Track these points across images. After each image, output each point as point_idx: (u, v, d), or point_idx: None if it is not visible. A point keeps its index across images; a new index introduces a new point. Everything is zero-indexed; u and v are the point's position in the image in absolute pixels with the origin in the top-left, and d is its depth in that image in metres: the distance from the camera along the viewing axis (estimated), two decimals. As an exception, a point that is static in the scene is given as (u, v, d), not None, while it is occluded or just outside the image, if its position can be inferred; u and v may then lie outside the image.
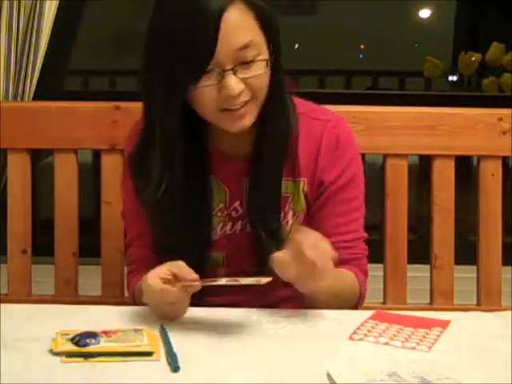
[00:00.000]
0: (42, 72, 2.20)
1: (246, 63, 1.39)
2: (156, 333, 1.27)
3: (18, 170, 1.95)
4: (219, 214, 1.55)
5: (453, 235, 1.93)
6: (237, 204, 1.55)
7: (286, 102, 1.51)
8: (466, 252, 2.09)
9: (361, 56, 7.38)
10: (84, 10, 3.01)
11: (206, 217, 1.53)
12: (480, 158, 1.94)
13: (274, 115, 1.48)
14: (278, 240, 1.46)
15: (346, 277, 1.54)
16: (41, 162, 2.84)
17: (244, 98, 1.41)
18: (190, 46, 1.36)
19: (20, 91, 2.18)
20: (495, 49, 4.21)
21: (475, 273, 1.95)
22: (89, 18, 3.15)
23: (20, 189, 1.95)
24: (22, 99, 2.18)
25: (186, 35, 1.36)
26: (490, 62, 4.20)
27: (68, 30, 2.79)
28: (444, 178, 1.93)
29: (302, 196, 1.55)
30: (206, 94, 1.39)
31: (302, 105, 1.56)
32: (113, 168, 1.93)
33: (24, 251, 1.96)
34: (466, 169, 3.00)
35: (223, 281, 1.35)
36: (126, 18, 6.84)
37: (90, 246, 2.09)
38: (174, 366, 1.15)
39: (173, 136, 1.45)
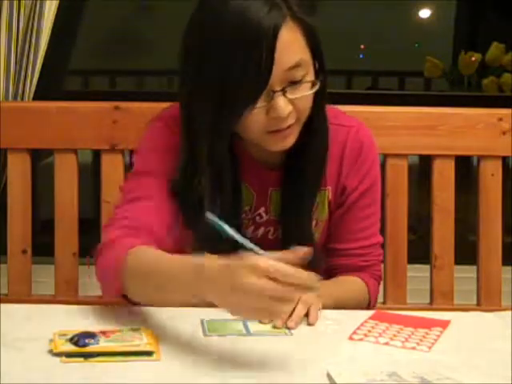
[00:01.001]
0: (41, 72, 2.20)
1: (294, 83, 1.36)
2: (154, 332, 1.26)
3: (18, 170, 1.95)
4: (243, 215, 1.53)
5: (453, 235, 1.93)
6: (262, 210, 1.54)
7: (326, 120, 1.49)
8: (466, 252, 2.09)
9: (361, 56, 7.38)
10: (84, 9, 3.00)
11: (236, 217, 1.47)
12: (480, 157, 1.94)
13: (315, 134, 1.46)
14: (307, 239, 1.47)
15: (352, 286, 1.55)
16: (41, 162, 2.84)
17: (291, 120, 1.38)
18: (246, 67, 1.31)
19: (20, 91, 2.18)
20: (495, 49, 4.21)
21: (475, 273, 1.95)
22: (89, 18, 3.15)
23: (20, 189, 1.95)
24: (22, 99, 2.18)
25: (240, 55, 1.32)
26: (490, 62, 4.20)
27: (68, 29, 2.79)
28: (444, 177, 1.93)
29: (326, 205, 1.55)
30: (254, 116, 1.36)
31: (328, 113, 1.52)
32: (113, 168, 1.94)
33: (24, 251, 1.96)
34: (466, 169, 3.01)
35: None
36: (126, 18, 6.84)
37: (89, 246, 2.09)
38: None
39: (222, 160, 1.40)
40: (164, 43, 6.27)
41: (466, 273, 2.02)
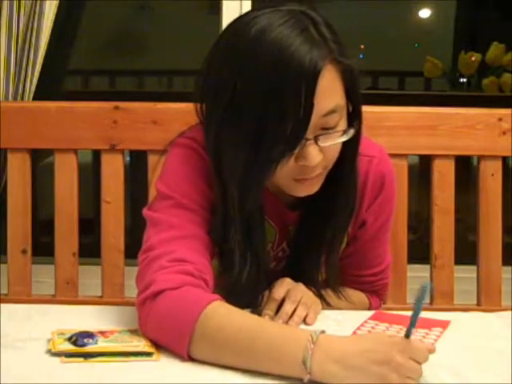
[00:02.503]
0: (41, 72, 2.20)
1: (326, 129, 1.26)
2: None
3: (18, 170, 1.95)
4: (268, 251, 1.47)
5: (453, 235, 1.93)
6: (284, 245, 1.49)
7: (355, 172, 1.39)
8: (466, 252, 2.10)
9: (361, 56, 7.38)
10: (84, 9, 3.00)
11: (264, 258, 1.40)
12: (480, 157, 1.94)
13: (342, 182, 1.38)
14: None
15: (352, 294, 1.54)
16: (41, 162, 2.84)
17: (319, 169, 1.30)
18: (285, 115, 1.21)
19: (20, 91, 2.18)
20: (495, 49, 4.21)
21: (475, 273, 1.95)
22: (89, 17, 3.15)
23: (20, 189, 1.95)
24: (22, 99, 2.18)
25: (278, 101, 1.20)
26: (490, 62, 4.20)
27: (68, 30, 2.79)
28: (444, 177, 1.93)
29: (345, 236, 1.49)
30: (284, 164, 1.26)
31: None
32: (113, 168, 1.94)
33: (24, 251, 1.96)
34: (466, 169, 3.01)
35: None
36: (126, 18, 6.83)
37: (89, 246, 2.09)
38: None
39: (254, 210, 1.32)
40: (164, 43, 6.28)
41: (466, 273, 2.02)
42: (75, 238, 1.95)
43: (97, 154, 2.34)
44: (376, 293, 1.60)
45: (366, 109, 1.81)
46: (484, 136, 1.92)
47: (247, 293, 1.34)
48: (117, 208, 1.94)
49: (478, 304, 1.94)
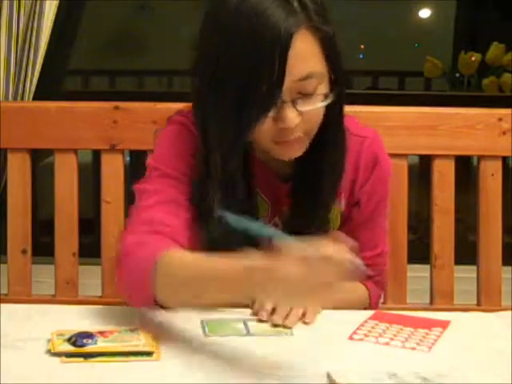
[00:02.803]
0: (41, 72, 2.20)
1: (305, 94, 1.31)
2: (153, 332, 1.26)
3: (18, 170, 1.95)
4: None
5: (453, 235, 1.93)
6: (276, 218, 1.51)
7: (343, 134, 1.43)
8: (466, 252, 2.09)
9: (361, 56, 7.38)
10: (84, 9, 3.00)
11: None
12: (480, 157, 1.94)
13: (330, 147, 1.41)
14: None
15: (352, 288, 1.54)
16: (41, 162, 2.84)
17: (298, 132, 1.34)
18: (259, 76, 1.27)
19: (20, 91, 2.18)
20: (495, 49, 4.22)
21: (475, 273, 1.95)
22: (89, 17, 3.15)
23: (20, 189, 1.95)
24: (22, 99, 2.19)
25: (253, 63, 1.27)
26: (490, 62, 4.20)
27: (68, 29, 2.80)
28: (444, 177, 1.93)
29: (337, 213, 1.52)
30: (262, 125, 1.32)
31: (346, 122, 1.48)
32: (113, 168, 1.94)
33: (24, 251, 1.96)
34: (466, 169, 3.01)
35: None
36: (126, 18, 6.83)
37: (89, 246, 2.09)
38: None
39: (235, 171, 1.37)
40: (164, 43, 6.28)
41: (466, 273, 2.02)
42: (75, 238, 1.95)
43: (97, 154, 2.34)
44: (372, 279, 1.57)
45: (366, 109, 1.82)
46: (484, 136, 1.92)
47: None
48: (117, 208, 1.94)
49: (478, 304, 1.94)
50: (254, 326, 1.32)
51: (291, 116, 1.31)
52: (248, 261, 1.15)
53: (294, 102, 1.31)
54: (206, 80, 1.34)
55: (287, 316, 1.33)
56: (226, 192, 1.39)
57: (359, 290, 1.56)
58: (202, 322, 1.33)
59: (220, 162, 1.36)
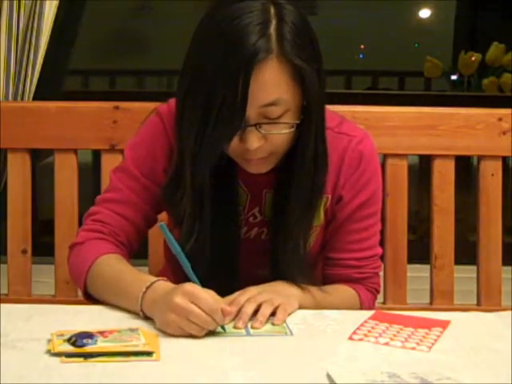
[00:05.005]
0: (41, 72, 2.20)
1: (270, 119, 1.34)
2: (153, 332, 1.26)
3: (18, 170, 1.95)
4: None
5: (453, 235, 1.93)
6: (256, 210, 1.52)
7: (319, 155, 1.43)
8: (466, 252, 2.10)
9: (361, 56, 7.39)
10: (84, 10, 3.00)
11: (235, 217, 1.50)
12: (480, 157, 1.94)
13: (305, 160, 1.42)
14: (298, 257, 1.47)
15: (340, 293, 1.54)
16: (41, 162, 2.84)
17: (261, 154, 1.37)
18: (225, 100, 1.30)
19: (20, 91, 2.18)
20: (495, 49, 4.22)
21: (475, 273, 1.95)
22: (89, 18, 3.15)
23: (20, 189, 1.95)
24: (22, 99, 2.19)
25: (221, 85, 1.30)
26: (490, 62, 4.20)
27: (68, 29, 2.79)
28: (444, 177, 1.93)
29: (322, 211, 1.52)
30: (229, 143, 1.36)
31: (330, 119, 1.48)
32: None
33: (24, 251, 1.96)
34: (466, 169, 3.01)
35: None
36: (126, 18, 6.84)
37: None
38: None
39: (202, 180, 1.41)
40: (164, 43, 6.28)
41: (466, 273, 2.02)
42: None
43: (97, 154, 2.34)
44: (364, 281, 1.57)
45: (365, 109, 1.82)
46: (484, 136, 1.92)
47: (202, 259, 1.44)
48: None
49: (478, 304, 1.95)
50: (228, 324, 1.31)
51: (253, 139, 1.34)
52: (152, 281, 1.35)
53: (258, 126, 1.34)
54: (184, 82, 1.38)
55: (254, 316, 1.34)
56: (195, 199, 1.42)
57: (347, 295, 1.55)
58: None
59: (190, 171, 1.40)
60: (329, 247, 1.57)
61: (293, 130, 1.36)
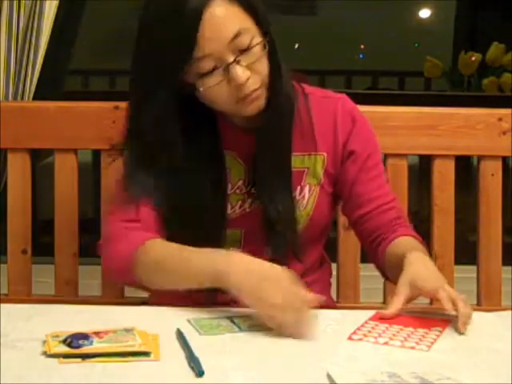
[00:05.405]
0: (41, 72, 2.20)
1: (244, 50, 1.42)
2: (148, 331, 1.26)
3: (18, 170, 1.95)
4: (238, 191, 1.56)
5: (453, 235, 1.93)
6: (253, 189, 1.56)
7: (284, 78, 1.52)
8: (466, 252, 2.10)
9: (361, 56, 7.39)
10: (84, 10, 3.00)
11: (220, 193, 1.54)
12: (480, 157, 1.94)
13: (275, 92, 1.49)
14: (290, 215, 1.53)
15: (417, 245, 1.55)
16: (41, 162, 2.84)
17: (253, 85, 1.44)
18: (176, 47, 1.40)
19: (20, 91, 2.18)
20: (495, 49, 4.22)
21: (475, 273, 1.95)
22: (89, 18, 3.15)
23: (20, 189, 1.95)
24: (22, 99, 2.18)
25: (169, 36, 1.40)
26: (490, 62, 4.20)
27: (68, 29, 2.79)
28: (444, 177, 1.93)
29: (319, 170, 1.58)
30: (216, 91, 1.43)
31: (309, 88, 1.60)
32: (113, 168, 1.93)
33: (24, 251, 1.96)
34: (466, 169, 3.01)
35: None
36: (126, 18, 6.83)
37: (89, 246, 2.09)
38: (198, 371, 1.13)
39: (172, 139, 1.48)
40: (164, 43, 6.28)
41: (466, 273, 2.02)
42: (75, 238, 1.95)
43: (97, 154, 2.34)
44: (402, 220, 1.60)
45: (366, 109, 1.82)
46: (484, 136, 1.92)
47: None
48: (117, 208, 1.94)
49: (478, 304, 1.94)
50: (241, 322, 1.33)
51: (240, 72, 1.41)
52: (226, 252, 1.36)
53: (237, 61, 1.42)
54: (138, 55, 1.56)
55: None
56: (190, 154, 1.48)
57: (414, 243, 1.56)
58: (188, 321, 1.33)
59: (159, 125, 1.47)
60: (354, 206, 1.61)
61: (266, 50, 1.44)
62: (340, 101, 1.61)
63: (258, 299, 1.29)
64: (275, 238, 1.53)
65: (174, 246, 1.43)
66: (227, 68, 1.41)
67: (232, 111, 1.48)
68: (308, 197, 1.59)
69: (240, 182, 1.56)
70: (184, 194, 1.49)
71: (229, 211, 1.55)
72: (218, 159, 1.53)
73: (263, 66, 1.45)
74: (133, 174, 1.51)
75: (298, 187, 1.57)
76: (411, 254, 1.43)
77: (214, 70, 1.41)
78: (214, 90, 1.43)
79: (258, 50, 1.43)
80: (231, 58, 1.41)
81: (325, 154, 1.58)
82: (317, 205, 1.59)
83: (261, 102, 1.47)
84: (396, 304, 1.35)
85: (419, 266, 1.41)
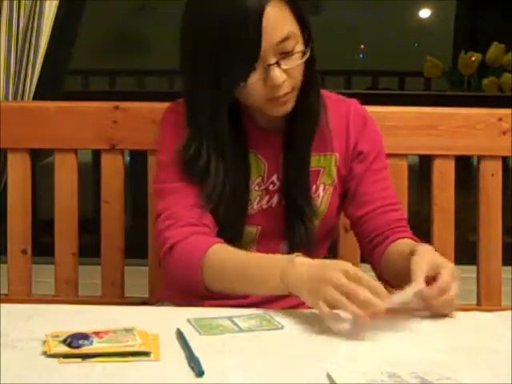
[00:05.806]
0: (41, 72, 2.20)
1: (286, 54, 1.47)
2: (148, 331, 1.26)
3: (18, 170, 1.95)
4: (257, 187, 1.61)
5: (453, 235, 1.93)
6: (274, 177, 1.61)
7: (317, 84, 1.59)
8: (466, 252, 2.10)
9: (361, 56, 7.39)
10: (84, 10, 3.00)
11: (244, 191, 1.58)
12: (480, 157, 1.94)
13: (310, 97, 1.56)
14: (308, 211, 1.58)
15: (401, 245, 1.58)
16: (41, 162, 2.84)
17: (286, 89, 1.49)
18: (236, 46, 1.44)
19: (20, 91, 2.18)
20: (495, 49, 4.22)
21: (475, 273, 1.95)
22: (89, 18, 3.15)
23: (20, 189, 1.95)
24: (22, 99, 2.18)
25: (229, 36, 1.43)
26: (490, 62, 4.20)
27: (68, 29, 2.79)
28: (444, 177, 1.93)
29: (333, 169, 1.63)
30: (253, 88, 1.48)
31: (324, 91, 1.65)
32: (113, 168, 1.94)
33: (24, 251, 1.96)
34: (466, 169, 3.01)
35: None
36: (126, 18, 6.84)
37: (89, 246, 2.09)
38: (198, 371, 1.13)
39: (223, 134, 1.52)
40: (164, 43, 6.28)
41: (466, 273, 2.01)
42: (75, 238, 1.95)
43: (97, 154, 2.34)
44: (405, 223, 1.64)
45: (366, 109, 1.82)
46: (484, 136, 1.92)
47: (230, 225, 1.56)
48: (117, 208, 1.94)
49: (478, 304, 1.95)
50: (241, 322, 1.33)
51: (278, 74, 1.47)
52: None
53: (278, 63, 1.47)
54: (188, 55, 1.51)
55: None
56: (217, 153, 1.53)
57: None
58: (188, 321, 1.33)
59: (209, 124, 1.51)
60: (357, 205, 1.64)
61: (305, 58, 1.49)
62: (352, 104, 1.67)
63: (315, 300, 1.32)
64: (293, 234, 1.58)
65: (239, 252, 1.47)
66: (268, 67, 1.46)
67: (262, 108, 1.53)
68: (322, 196, 1.63)
69: (259, 179, 1.60)
70: (219, 194, 1.53)
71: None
72: (243, 157, 1.58)
73: (299, 73, 1.51)
74: (188, 176, 1.54)
75: (314, 186, 1.62)
76: (421, 246, 1.48)
77: (255, 68, 1.46)
78: (251, 87, 1.47)
79: (298, 57, 1.49)
80: (273, 60, 1.46)
81: (337, 155, 1.63)
82: (329, 204, 1.64)
83: (289, 106, 1.52)
84: (420, 276, 1.37)
85: (430, 250, 1.46)
